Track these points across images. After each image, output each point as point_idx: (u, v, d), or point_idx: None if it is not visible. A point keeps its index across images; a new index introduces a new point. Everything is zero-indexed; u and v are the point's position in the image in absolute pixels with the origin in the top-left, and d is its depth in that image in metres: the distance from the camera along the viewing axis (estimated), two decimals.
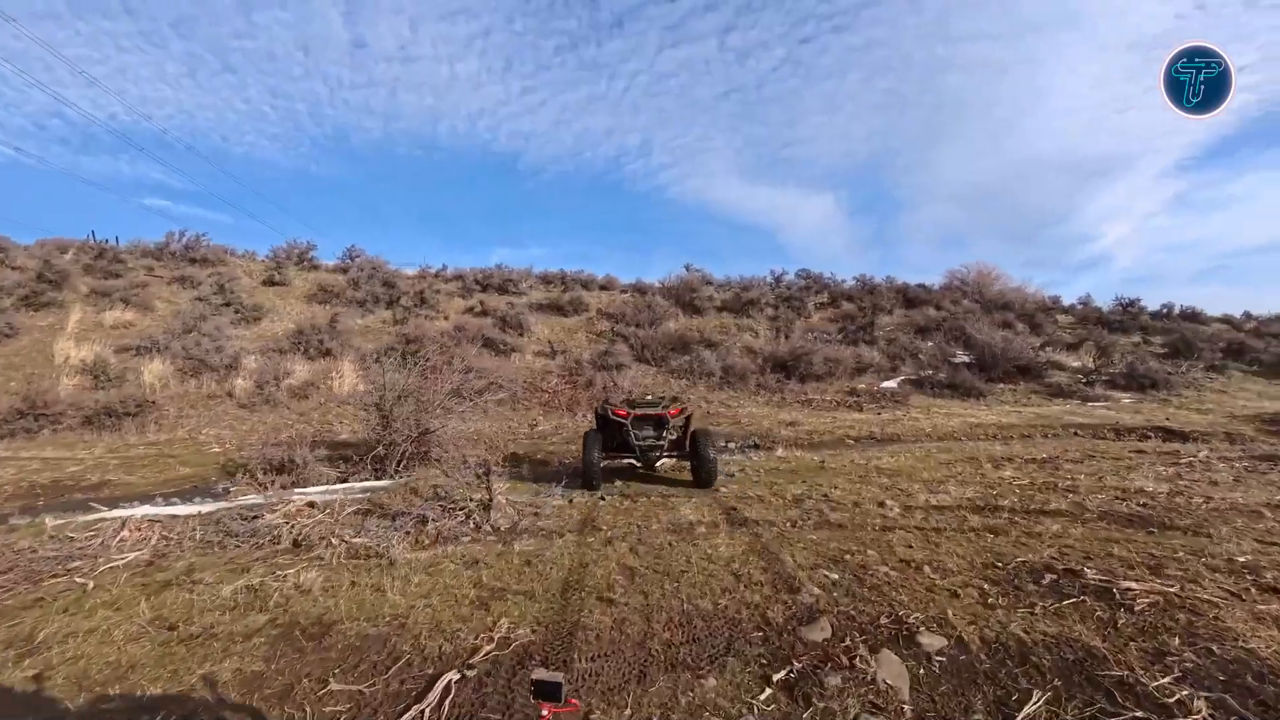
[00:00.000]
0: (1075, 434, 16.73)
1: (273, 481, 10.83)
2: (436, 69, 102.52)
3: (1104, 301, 35.04)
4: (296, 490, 8.68)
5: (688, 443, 8.92)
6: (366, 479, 11.02)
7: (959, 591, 4.66)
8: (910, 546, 5.78)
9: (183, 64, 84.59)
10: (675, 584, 4.80)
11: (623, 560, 5.33)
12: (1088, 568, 5.10)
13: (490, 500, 6.61)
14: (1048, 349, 25.50)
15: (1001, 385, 23.25)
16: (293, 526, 6.01)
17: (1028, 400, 21.84)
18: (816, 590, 4.62)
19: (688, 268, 33.10)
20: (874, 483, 8.74)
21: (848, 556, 5.48)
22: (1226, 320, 36.51)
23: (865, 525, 6.59)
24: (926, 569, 5.13)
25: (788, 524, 6.64)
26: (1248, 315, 38.21)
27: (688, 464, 9.40)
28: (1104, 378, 23.49)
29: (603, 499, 7.79)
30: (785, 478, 9.12)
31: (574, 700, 2.19)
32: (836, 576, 4.97)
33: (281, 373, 18.17)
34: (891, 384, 22.83)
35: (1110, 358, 24.69)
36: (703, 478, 8.44)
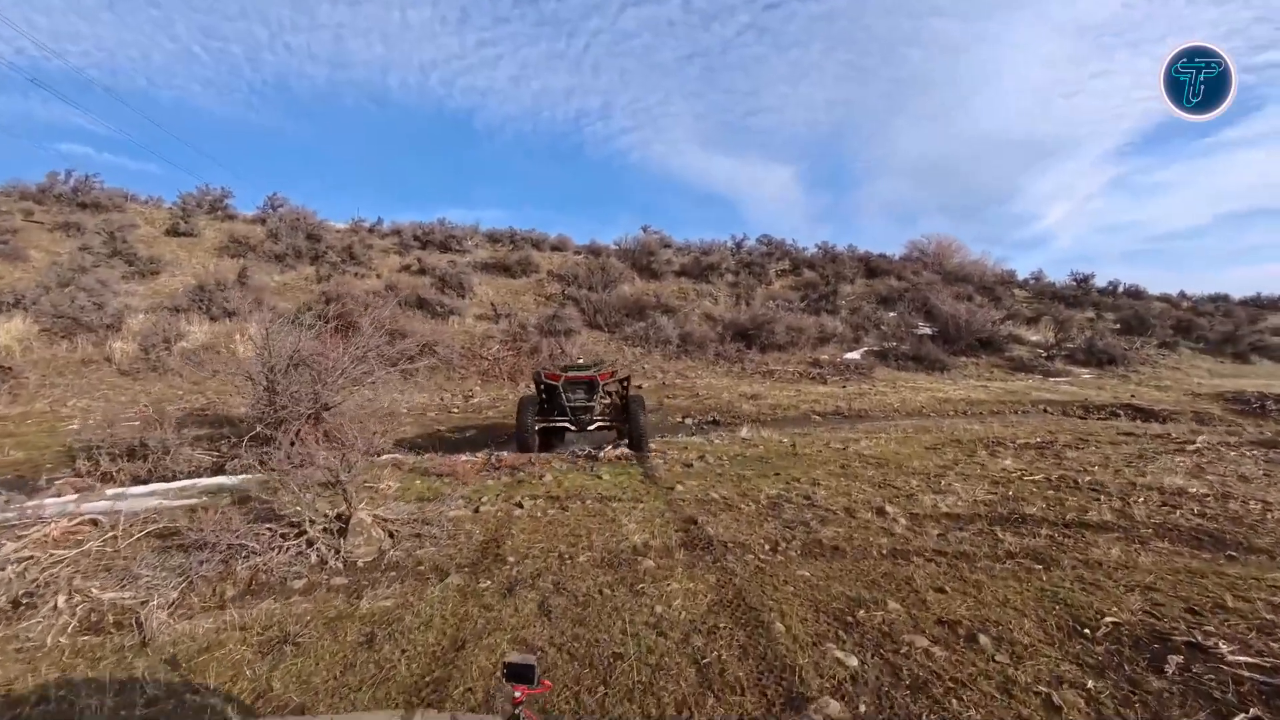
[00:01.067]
0: (1045, 410, 15.47)
1: (118, 471, 8.47)
2: (386, 14, 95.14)
3: (1057, 277, 34.52)
4: (111, 491, 6.38)
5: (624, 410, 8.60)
6: (250, 466, 8.77)
7: (1054, 696, 2.86)
8: (943, 590, 3.97)
9: None
10: (601, 687, 2.86)
11: (524, 632, 3.34)
12: (1207, 632, 3.40)
13: (349, 517, 4.51)
14: (1009, 323, 24.46)
15: (964, 358, 22.09)
16: (25, 569, 3.81)
17: (990, 374, 20.70)
18: (834, 705, 2.74)
19: (645, 229, 30.90)
20: (861, 476, 6.97)
21: (861, 613, 3.63)
22: (1165, 299, 36.50)
23: (869, 548, 4.78)
24: (984, 640, 3.32)
25: (766, 548, 4.76)
26: (1183, 295, 38.49)
27: (632, 455, 7.80)
28: (1064, 353, 22.57)
29: (520, 505, 5.77)
30: (754, 468, 7.27)
31: (546, 681, 1.94)
32: (856, 664, 3.10)
33: (174, 334, 15.36)
34: (855, 355, 21.37)
35: (1069, 333, 23.81)
36: (635, 442, 8.05)
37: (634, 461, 7.45)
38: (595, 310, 21.37)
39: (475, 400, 14.56)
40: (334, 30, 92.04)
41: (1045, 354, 22.38)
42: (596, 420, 8.59)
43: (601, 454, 7.32)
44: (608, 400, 8.74)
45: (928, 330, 24.06)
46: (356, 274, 22.05)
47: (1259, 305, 35.44)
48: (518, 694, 1.71)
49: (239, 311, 17.27)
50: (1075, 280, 32.28)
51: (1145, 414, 14.71)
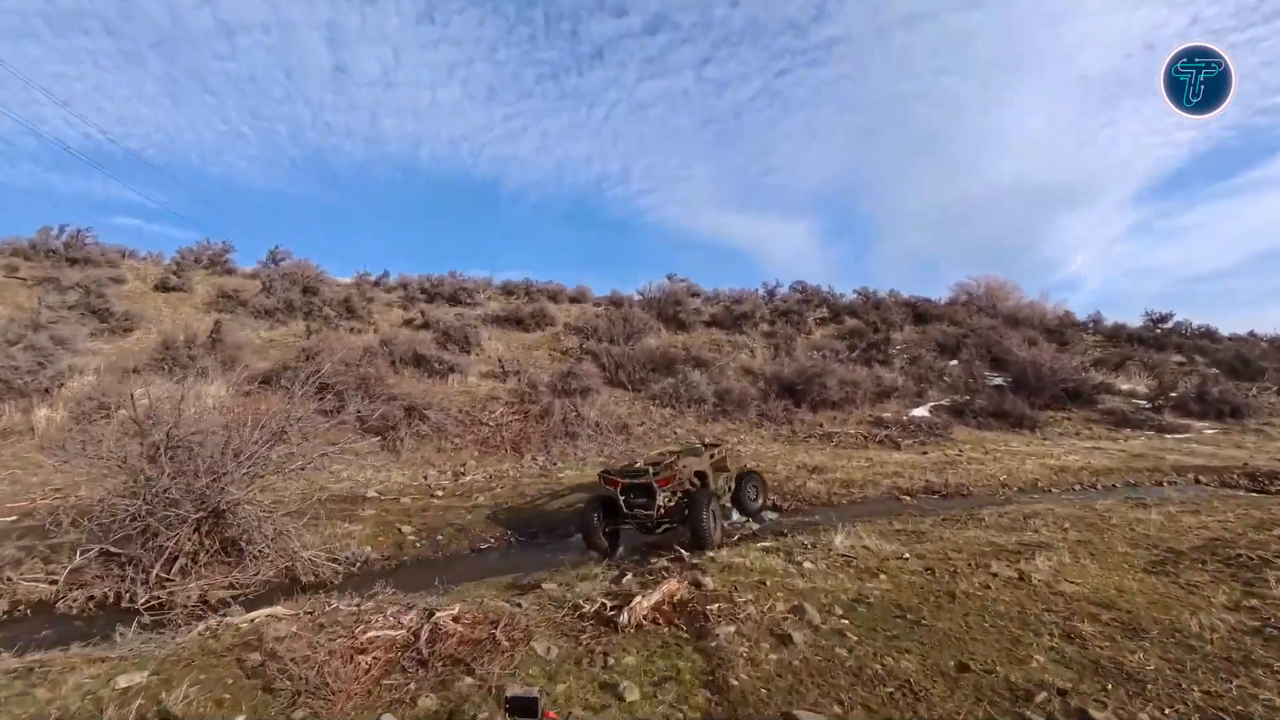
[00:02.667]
0: (1199, 480, 11.87)
1: None
2: (418, 94, 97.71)
3: (1118, 317, 30.70)
4: None
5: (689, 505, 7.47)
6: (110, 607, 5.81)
7: None
8: None
9: (160, 85, 78.79)
10: None
11: None
12: None
13: None
14: (1096, 369, 20.82)
15: (1051, 412, 18.45)
16: None
17: (1091, 432, 17.01)
18: None
19: (671, 277, 28.17)
20: (1123, 667, 3.68)
21: None
22: (1236, 339, 32.31)
23: None
24: None
25: None
26: (1252, 334, 34.29)
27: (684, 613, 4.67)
28: (1170, 403, 18.78)
29: None
30: (903, 640, 3.96)
31: (551, 714, 1.96)
32: None
33: (116, 401, 12.65)
34: (922, 412, 17.88)
35: (1170, 380, 20.05)
36: (698, 538, 7.13)
37: (685, 627, 4.18)
38: (617, 365, 18.39)
39: (467, 479, 11.47)
40: (370, 110, 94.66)
41: (1150, 405, 18.63)
42: (662, 523, 7.75)
43: (627, 617, 4.03)
44: (674, 502, 7.70)
45: (1000, 381, 20.51)
46: (353, 329, 19.52)
47: None
48: None
49: (207, 372, 14.63)
50: (1151, 320, 28.48)
51: None
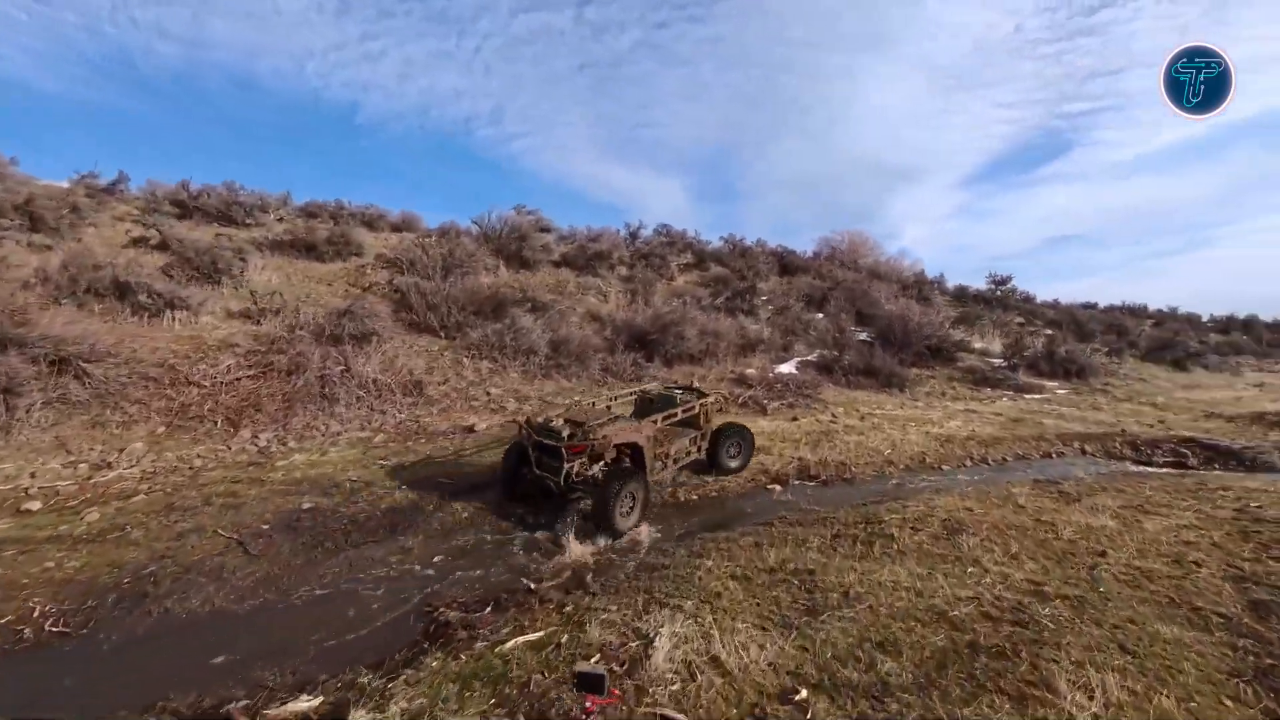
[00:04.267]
0: (1084, 451, 10.31)
1: None
2: None
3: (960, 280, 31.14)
4: None
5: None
6: None
7: None
8: None
9: None
10: None
11: None
12: None
13: None
14: (959, 326, 19.88)
15: (916, 370, 17.01)
16: None
17: (955, 391, 15.64)
18: None
19: (518, 209, 23.83)
20: None
21: None
22: (1052, 305, 34.49)
23: None
24: None
25: None
26: (1056, 302, 36.94)
27: None
28: (1024, 363, 18.10)
29: None
30: None
31: (616, 691, 2.03)
32: None
33: None
34: (789, 367, 15.57)
35: (1023, 340, 19.53)
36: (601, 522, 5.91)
37: None
38: (428, 306, 14.13)
39: (109, 476, 7.00)
40: (191, 7, 77.09)
41: (1006, 364, 17.80)
42: (575, 489, 6.32)
43: None
44: (592, 470, 6.23)
45: (866, 336, 18.89)
46: (32, 245, 13.37)
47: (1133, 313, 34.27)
48: (589, 704, 1.68)
49: None
50: (993, 282, 28.86)
51: (1224, 454, 9.84)
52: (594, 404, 7.78)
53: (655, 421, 6.87)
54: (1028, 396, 15.51)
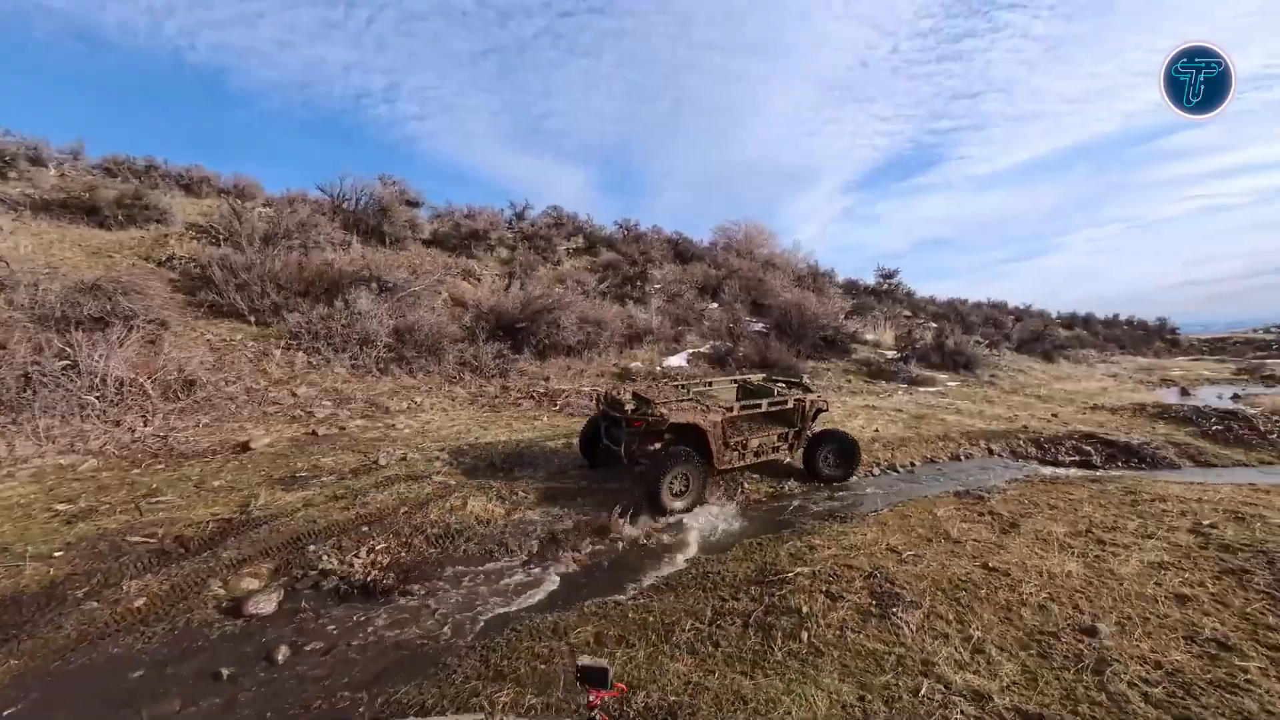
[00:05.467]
0: (990, 451, 9.32)
1: None
2: None
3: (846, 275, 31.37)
4: None
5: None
6: None
7: None
8: None
9: None
10: None
11: None
12: None
13: None
14: (854, 318, 19.17)
15: (812, 362, 15.97)
16: None
17: (851, 384, 14.65)
18: None
19: (383, 179, 20.60)
20: None
21: None
22: (932, 300, 35.81)
23: None
24: None
25: None
26: (933, 299, 38.63)
27: None
28: (916, 355, 17.61)
29: None
30: None
31: (620, 684, 1.94)
32: None
33: None
34: (679, 360, 13.90)
35: (915, 333, 19.17)
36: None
37: None
38: (237, 284, 11.04)
39: None
40: None
41: (899, 356, 17.20)
42: (638, 463, 6.11)
43: None
44: (652, 446, 6.08)
45: (761, 327, 17.69)
46: None
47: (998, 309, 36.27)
48: (592, 697, 1.63)
49: None
50: (882, 276, 29.03)
51: (1124, 450, 9.15)
52: (685, 384, 7.59)
53: (730, 409, 6.32)
54: (922, 389, 14.83)
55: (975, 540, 4.64)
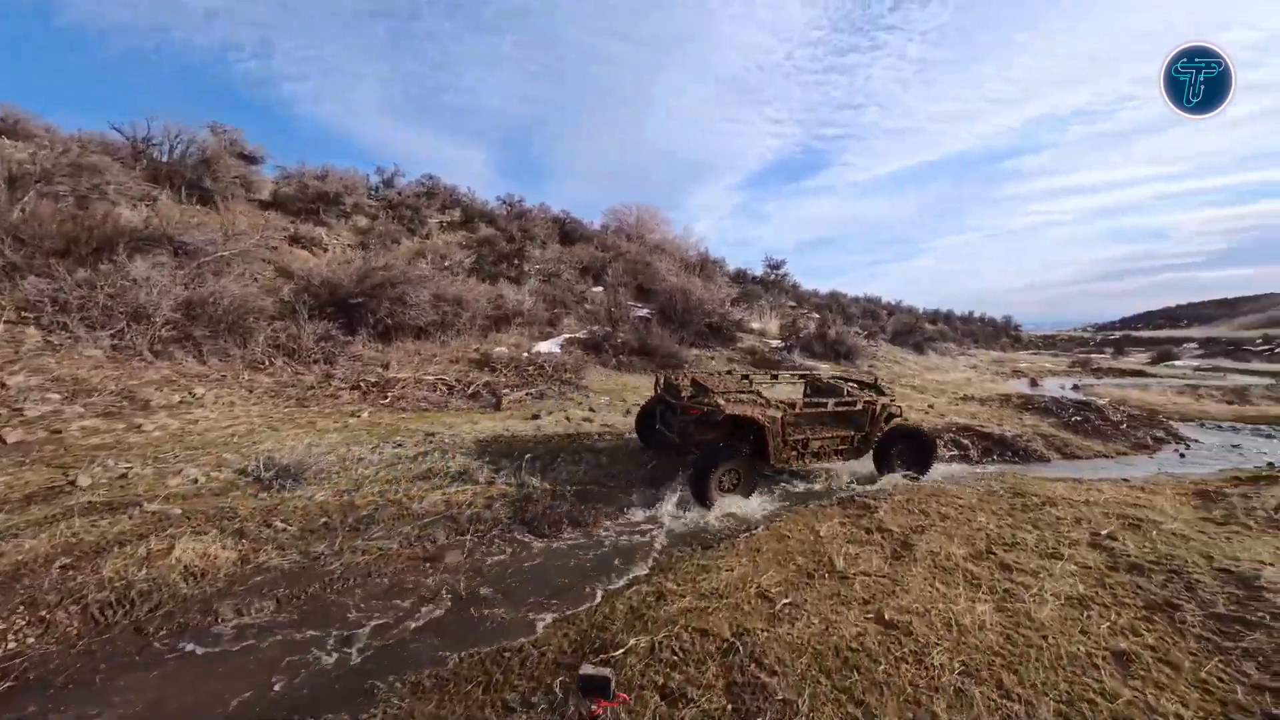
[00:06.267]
0: None
1: None
2: None
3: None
4: None
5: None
6: None
7: None
8: None
9: None
10: None
11: None
12: None
13: None
14: (738, 306, 18.59)
15: (696, 350, 15.14)
16: None
17: (734, 372, 13.90)
18: None
19: (213, 127, 17.26)
20: None
21: None
22: (815, 293, 36.93)
23: None
24: None
25: None
26: (815, 292, 40.04)
27: None
28: (799, 344, 17.35)
29: None
30: None
31: (622, 694, 1.98)
32: None
33: None
34: (551, 346, 12.46)
35: (799, 322, 18.98)
36: None
37: None
38: None
39: None
40: None
41: (782, 345, 16.82)
42: (688, 449, 5.94)
43: None
44: (708, 435, 5.76)
45: (646, 313, 16.63)
46: None
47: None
48: (595, 707, 1.62)
49: None
50: (770, 266, 29.10)
51: (998, 442, 8.91)
52: (749, 376, 7.25)
53: (793, 406, 6.04)
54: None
55: (865, 574, 3.64)
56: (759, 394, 6.15)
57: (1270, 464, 8.00)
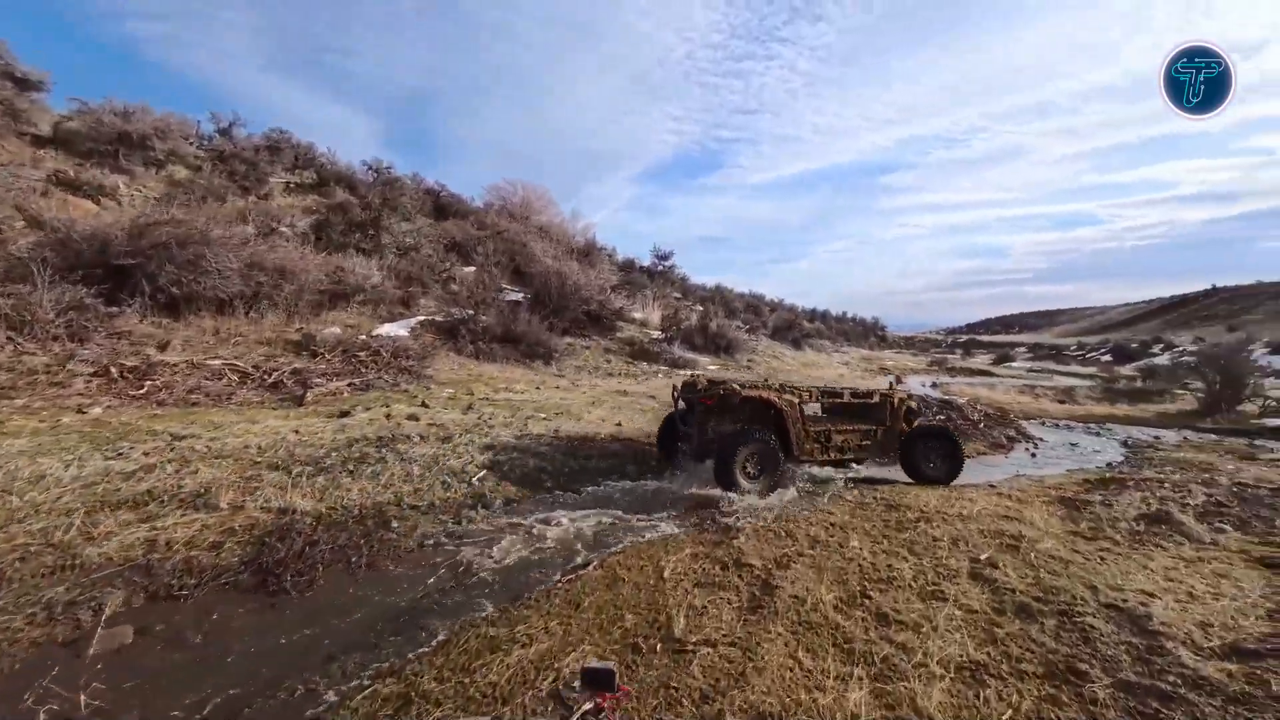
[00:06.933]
0: None
1: None
2: None
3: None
4: None
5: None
6: None
7: None
8: None
9: None
10: None
11: None
12: None
13: None
14: (618, 294, 17.68)
15: (571, 339, 14.07)
16: None
17: (610, 365, 13.03)
18: None
19: None
20: None
21: None
22: (702, 287, 37.24)
23: None
24: None
25: None
26: (704, 285, 40.49)
27: None
28: (680, 335, 16.79)
29: None
30: None
31: (625, 687, 1.96)
32: None
33: None
34: (398, 329, 10.84)
35: (681, 314, 18.44)
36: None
37: None
38: None
39: None
40: None
41: (663, 337, 16.15)
42: (705, 453, 5.61)
43: None
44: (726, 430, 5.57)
45: (519, 296, 15.28)
46: None
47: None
48: (600, 700, 1.56)
49: None
50: (658, 257, 28.57)
51: None
52: (767, 380, 7.40)
53: (809, 395, 6.10)
54: (681, 372, 13.81)
55: (710, 644, 2.71)
56: (773, 386, 6.17)
57: (1109, 464, 8.32)
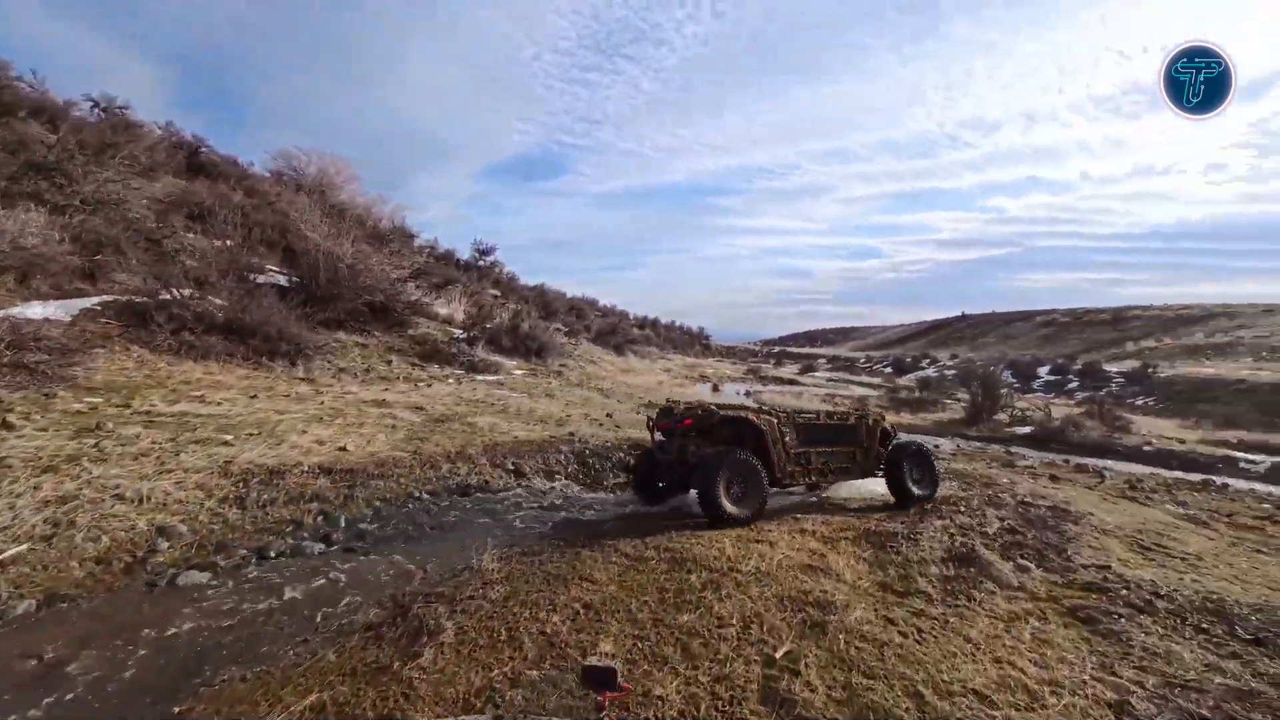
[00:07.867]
0: (518, 472, 6.63)
1: None
2: None
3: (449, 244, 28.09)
4: None
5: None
6: None
7: None
8: None
9: None
10: None
11: None
12: None
13: None
14: (414, 284, 15.35)
15: (342, 334, 11.64)
16: None
17: (388, 368, 10.91)
18: None
19: None
20: None
21: None
22: (531, 287, 35.74)
23: None
24: None
25: None
26: (528, 284, 39.04)
27: None
28: (485, 336, 14.99)
29: None
30: None
31: (626, 685, 1.90)
32: None
33: None
34: (57, 310, 7.76)
35: (487, 310, 16.62)
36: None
37: None
38: None
39: None
40: None
41: (465, 336, 14.20)
42: (687, 477, 5.36)
43: None
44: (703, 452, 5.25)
45: (281, 278, 12.42)
46: None
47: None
48: (601, 699, 1.56)
49: None
50: (478, 251, 26.30)
51: None
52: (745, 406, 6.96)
53: (786, 415, 5.84)
54: (481, 378, 12.03)
55: None
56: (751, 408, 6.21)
57: None
